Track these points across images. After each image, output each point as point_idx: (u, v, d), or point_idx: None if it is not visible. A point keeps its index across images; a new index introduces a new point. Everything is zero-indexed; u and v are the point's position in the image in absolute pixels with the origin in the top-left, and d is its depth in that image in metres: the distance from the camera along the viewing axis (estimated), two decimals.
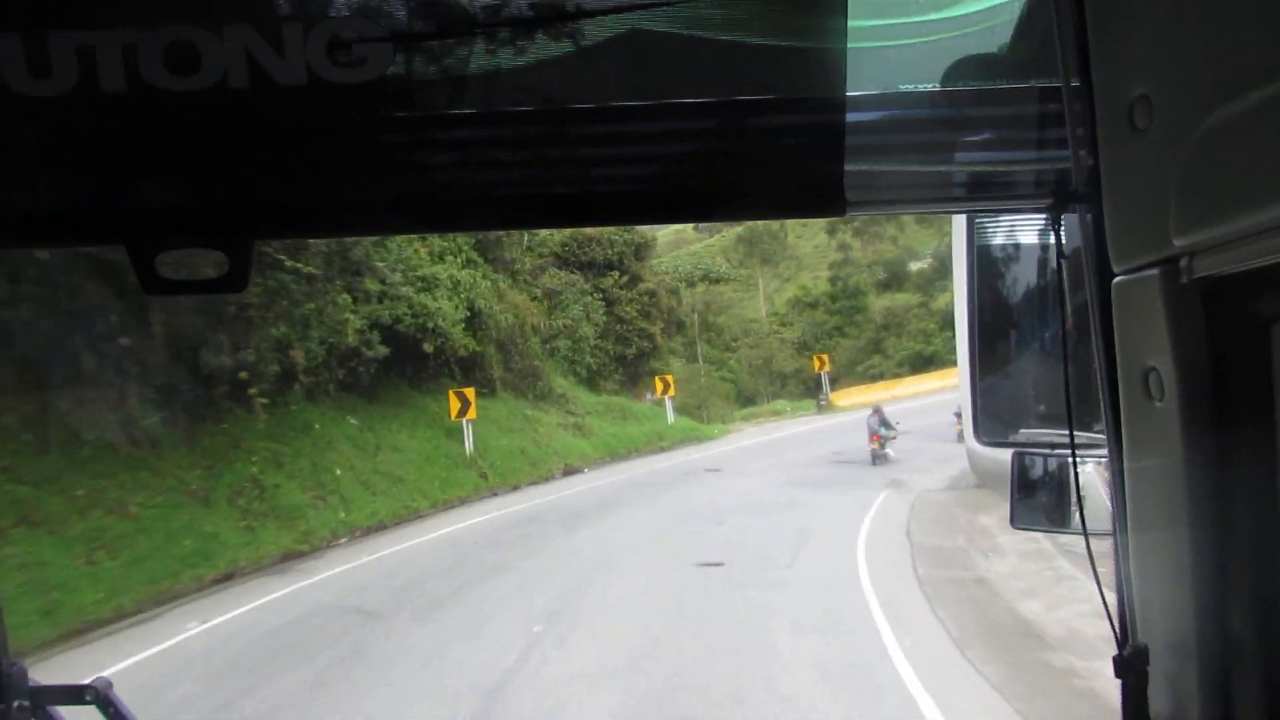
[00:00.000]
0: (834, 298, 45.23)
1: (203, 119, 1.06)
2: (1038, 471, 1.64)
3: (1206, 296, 0.94)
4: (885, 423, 20.77)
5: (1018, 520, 1.71)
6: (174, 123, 1.06)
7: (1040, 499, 1.64)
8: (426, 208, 1.17)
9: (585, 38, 1.05)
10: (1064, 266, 1.09)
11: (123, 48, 1.01)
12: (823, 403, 35.97)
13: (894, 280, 44.99)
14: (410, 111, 1.09)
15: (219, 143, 1.09)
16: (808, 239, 49.13)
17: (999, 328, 1.97)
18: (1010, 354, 2.01)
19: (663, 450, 26.11)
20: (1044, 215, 1.10)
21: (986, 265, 1.87)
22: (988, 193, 1.16)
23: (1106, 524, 1.12)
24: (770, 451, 24.05)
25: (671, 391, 29.34)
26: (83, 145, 1.08)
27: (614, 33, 1.04)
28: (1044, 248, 1.53)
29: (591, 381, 30.71)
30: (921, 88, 1.11)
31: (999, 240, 1.89)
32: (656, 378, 29.90)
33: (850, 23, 1.02)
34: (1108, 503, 1.11)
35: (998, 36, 1.10)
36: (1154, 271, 0.96)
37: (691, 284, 40.97)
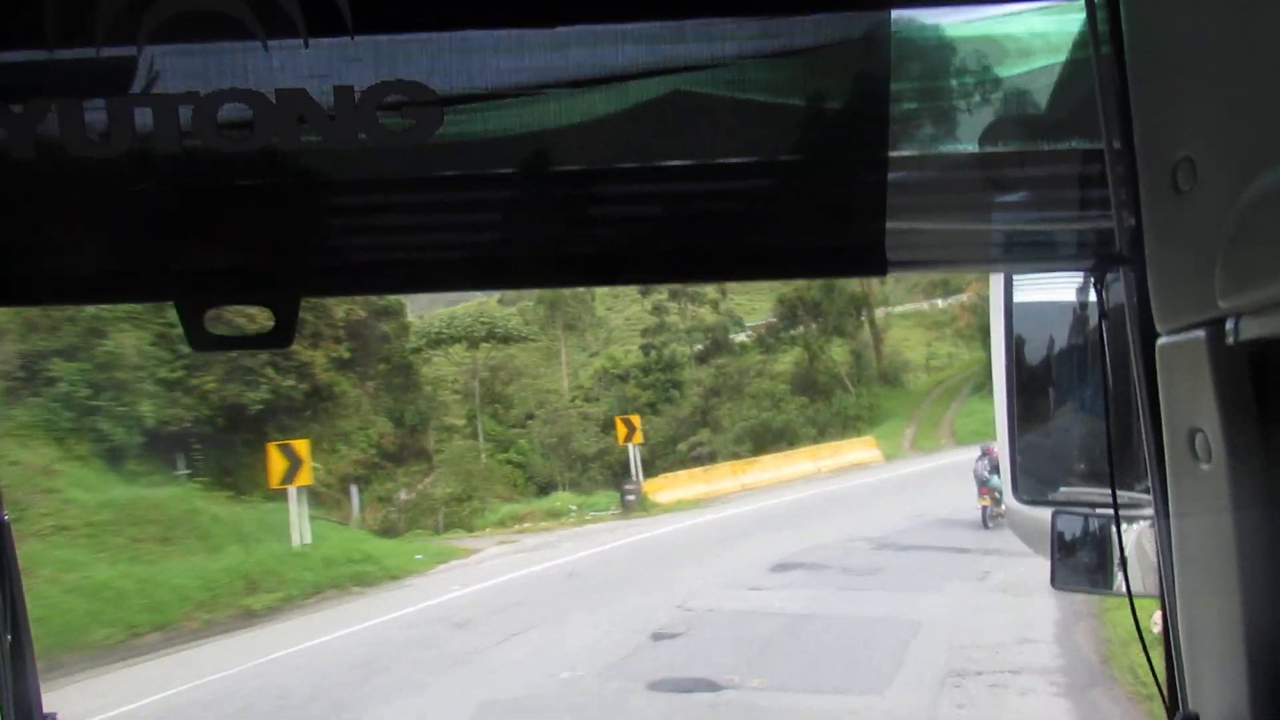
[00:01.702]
0: (646, 369, 44.70)
1: (253, 179, 1.36)
2: (1079, 531, 1.97)
3: (1254, 359, 1.16)
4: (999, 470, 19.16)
5: (1059, 581, 2.04)
6: (225, 183, 1.36)
7: (1082, 559, 1.97)
8: (473, 264, 1.48)
9: (629, 99, 1.31)
10: (1105, 326, 1.35)
11: (178, 112, 1.30)
12: (630, 498, 26.73)
13: (716, 350, 46.38)
14: (458, 171, 1.40)
15: (268, 202, 1.40)
16: (619, 310, 52.72)
17: (1037, 386, 2.33)
18: (1048, 412, 2.39)
19: (254, 616, 15.58)
20: (1085, 274, 1.36)
21: (1024, 323, 2.22)
22: (1030, 252, 1.48)
23: (1150, 586, 1.35)
24: (501, 629, 13.12)
25: (305, 478, 19.47)
26: (136, 206, 1.38)
27: (657, 94, 1.28)
28: (1082, 305, 1.88)
29: (159, 452, 21.04)
30: (963, 148, 1.36)
31: (1037, 297, 2.23)
32: (272, 449, 19.53)
33: (892, 85, 1.26)
34: (1153, 565, 1.35)
35: (1039, 99, 1.40)
36: (1199, 333, 1.19)
37: (474, 343, 39.71)
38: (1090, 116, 1.32)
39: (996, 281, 2.57)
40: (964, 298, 46.78)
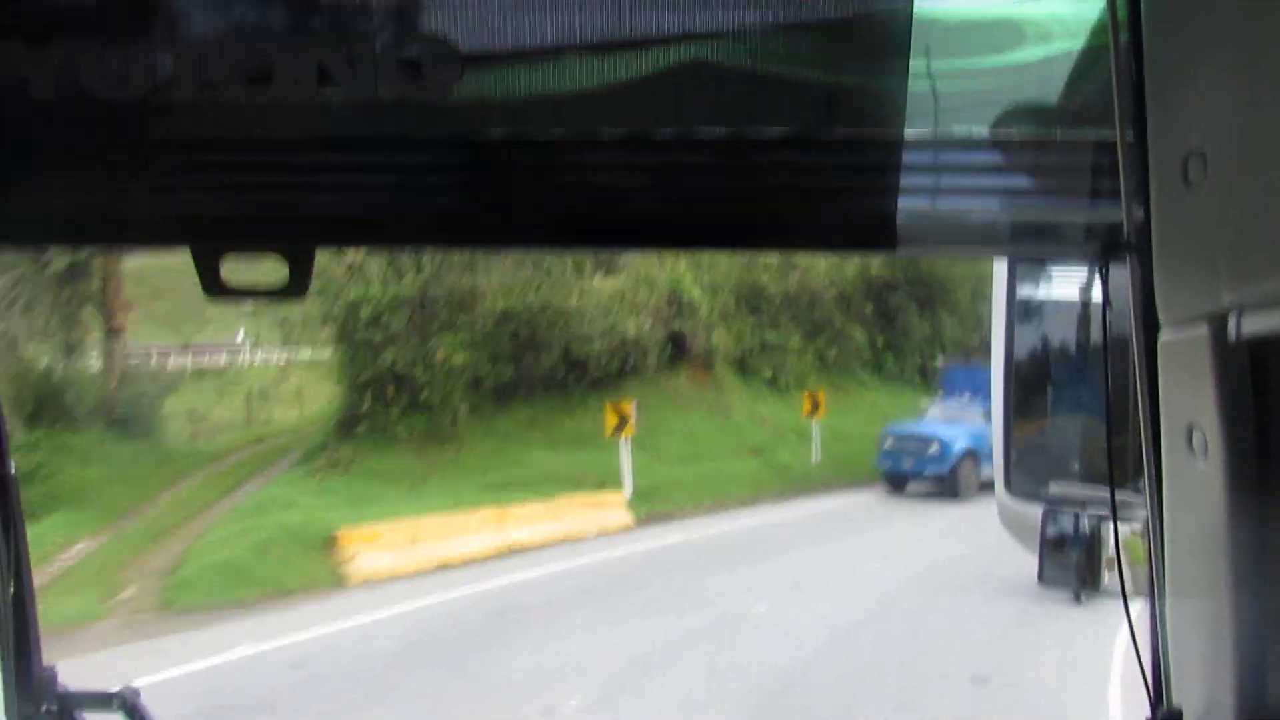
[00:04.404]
0: None
1: (271, 128, 1.37)
2: (1069, 528, 1.97)
3: (1255, 355, 1.18)
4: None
5: (1046, 578, 2.03)
6: (243, 131, 1.37)
7: (1071, 556, 1.96)
8: (485, 224, 1.49)
9: (649, 64, 1.31)
10: (1108, 317, 1.36)
11: (198, 59, 1.32)
12: None
13: None
14: (472, 130, 1.39)
15: (285, 151, 1.42)
16: None
17: (1034, 378, 2.32)
18: (1045, 406, 2.37)
19: None
20: (1089, 264, 1.37)
21: (1024, 314, 2.22)
22: (1037, 238, 1.49)
23: (1140, 584, 1.36)
24: None
25: None
26: (154, 150, 1.40)
27: (678, 60, 1.28)
28: (1084, 299, 1.86)
29: None
30: (976, 131, 1.37)
31: (1039, 289, 2.23)
32: None
33: (911, 63, 1.27)
34: (1144, 563, 1.36)
35: (1053, 86, 1.41)
36: (1202, 327, 1.21)
37: None
38: (1105, 105, 1.32)
39: (999, 271, 2.56)
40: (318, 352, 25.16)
